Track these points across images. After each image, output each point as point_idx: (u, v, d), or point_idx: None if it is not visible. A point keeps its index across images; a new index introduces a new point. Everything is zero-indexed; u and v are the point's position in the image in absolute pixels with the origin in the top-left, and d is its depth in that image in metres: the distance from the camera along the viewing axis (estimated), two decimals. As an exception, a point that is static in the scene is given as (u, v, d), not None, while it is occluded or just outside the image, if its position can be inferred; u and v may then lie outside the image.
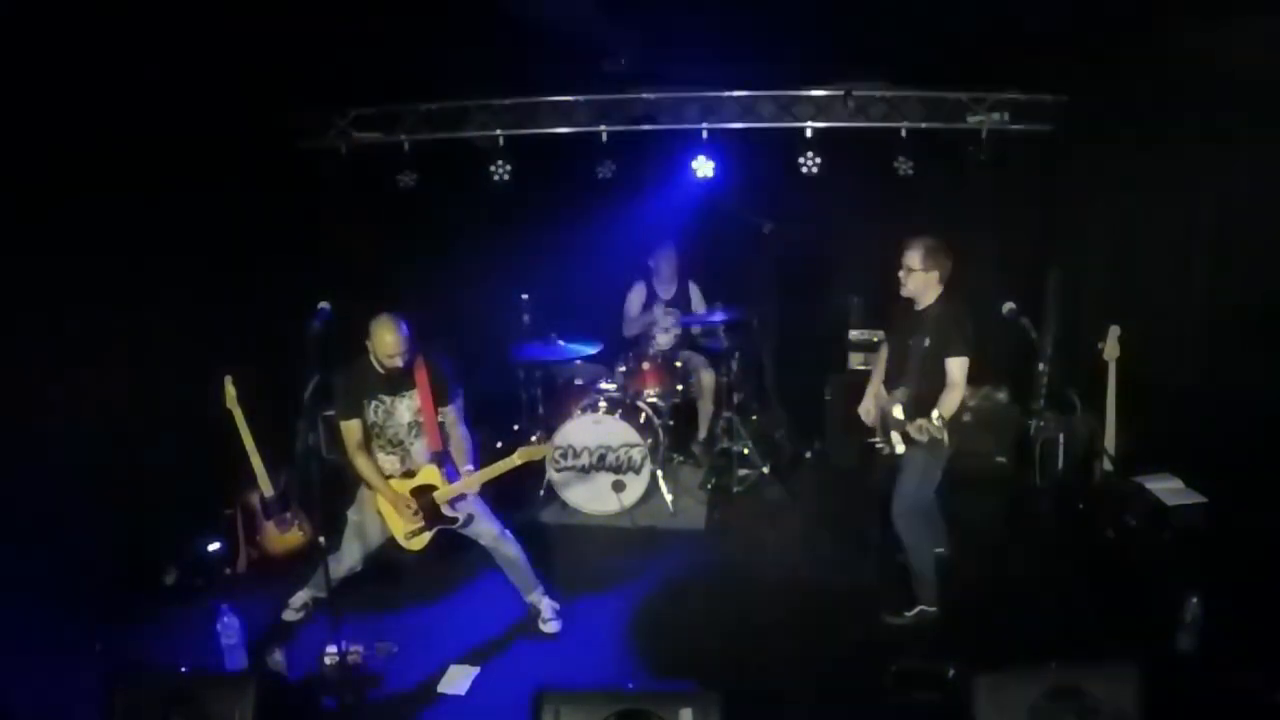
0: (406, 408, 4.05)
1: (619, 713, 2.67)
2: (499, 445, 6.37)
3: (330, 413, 6.08)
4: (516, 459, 4.06)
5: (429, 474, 4.10)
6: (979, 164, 5.83)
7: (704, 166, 6.05)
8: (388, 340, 3.84)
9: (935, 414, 3.57)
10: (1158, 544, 4.03)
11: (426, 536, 4.12)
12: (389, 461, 4.08)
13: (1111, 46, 4.94)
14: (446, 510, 4.09)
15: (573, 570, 4.93)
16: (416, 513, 4.04)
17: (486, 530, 4.20)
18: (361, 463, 3.98)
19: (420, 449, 4.10)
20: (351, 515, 4.17)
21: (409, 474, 4.10)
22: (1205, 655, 3.69)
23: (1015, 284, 5.16)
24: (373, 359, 3.94)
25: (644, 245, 6.37)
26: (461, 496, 4.10)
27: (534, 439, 6.25)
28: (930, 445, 3.74)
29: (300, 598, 4.33)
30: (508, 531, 4.27)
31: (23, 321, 4.10)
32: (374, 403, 4.01)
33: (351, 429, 3.97)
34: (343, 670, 3.86)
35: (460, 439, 4.16)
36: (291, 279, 5.52)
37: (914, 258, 3.93)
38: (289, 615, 4.29)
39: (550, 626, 4.28)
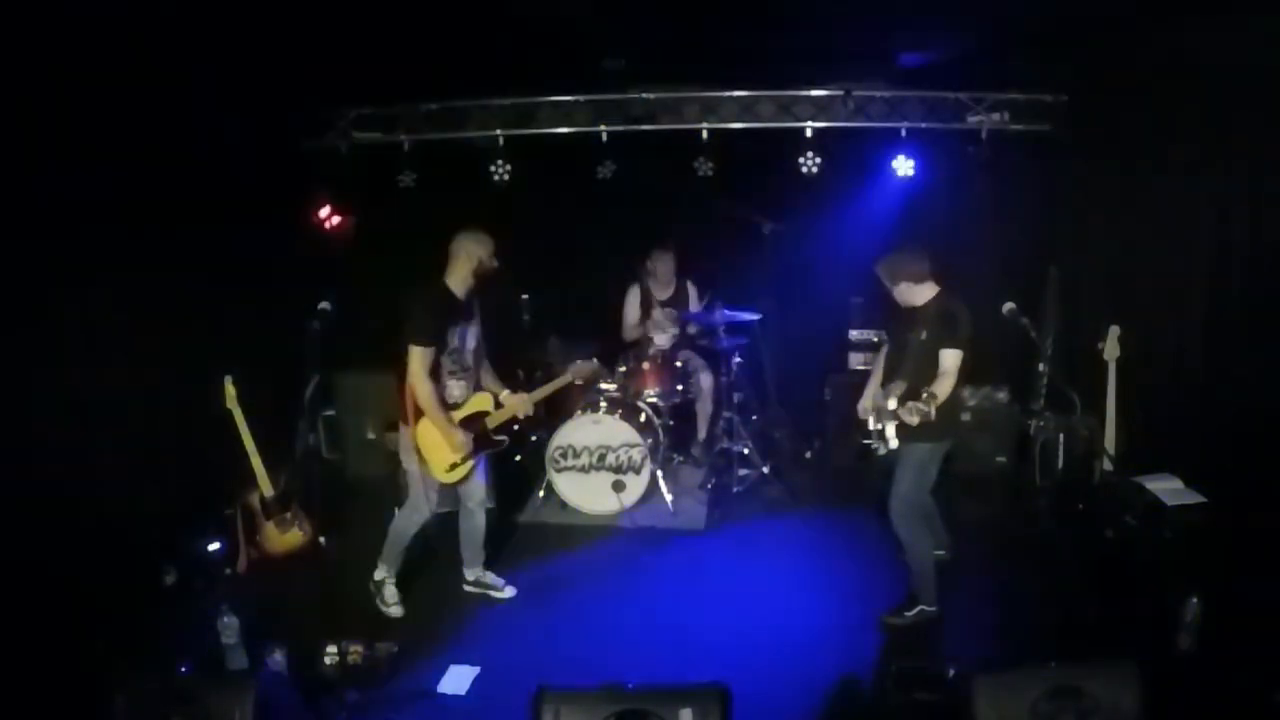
0: (473, 335, 4.16)
1: (619, 712, 2.66)
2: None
3: (330, 412, 6.16)
4: (569, 375, 4.48)
5: (481, 400, 4.23)
6: (979, 164, 5.83)
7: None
8: (485, 241, 4.04)
9: (925, 393, 3.63)
10: (1158, 544, 4.03)
11: (464, 468, 4.20)
12: (456, 387, 4.13)
13: (1111, 46, 4.94)
14: (496, 436, 4.28)
15: (572, 570, 4.94)
16: (474, 441, 4.14)
17: (478, 494, 4.36)
18: (425, 390, 3.93)
19: (478, 375, 4.25)
20: (413, 467, 4.15)
21: (454, 406, 4.14)
22: (1205, 655, 3.69)
23: (1015, 284, 5.17)
24: (454, 284, 4.02)
25: (643, 246, 6.37)
26: (505, 425, 4.30)
27: (533, 439, 6.26)
28: (921, 430, 3.77)
29: (390, 591, 4.38)
30: (488, 503, 4.45)
31: (22, 322, 4.10)
32: (456, 328, 4.05)
33: (424, 354, 3.90)
34: (343, 670, 3.86)
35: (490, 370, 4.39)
36: (291, 279, 5.53)
37: (903, 274, 3.99)
38: (394, 612, 4.35)
39: (506, 592, 4.54)
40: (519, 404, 4.29)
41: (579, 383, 4.59)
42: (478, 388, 4.27)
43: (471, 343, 4.16)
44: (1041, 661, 2.87)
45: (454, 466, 4.16)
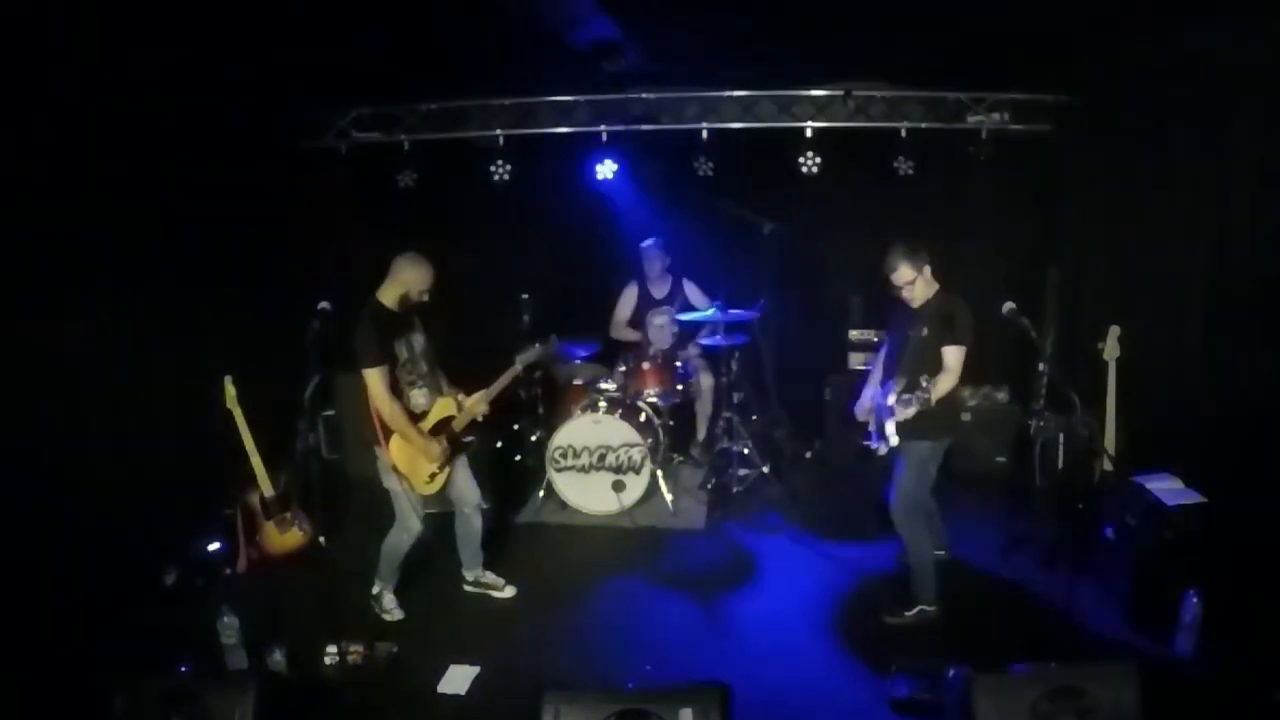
0: (419, 340, 4.16)
1: (619, 712, 2.67)
2: (498, 445, 6.38)
3: (330, 412, 6.16)
4: (518, 366, 4.43)
5: (445, 406, 4.23)
6: (979, 164, 5.83)
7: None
8: (425, 275, 4.01)
9: (924, 381, 3.64)
10: (1158, 544, 4.03)
11: (442, 476, 4.22)
12: (420, 395, 4.13)
13: (1111, 47, 4.93)
14: (464, 438, 4.31)
15: (573, 570, 4.94)
16: (444, 450, 4.15)
17: (471, 497, 4.38)
18: (392, 411, 3.93)
19: (435, 378, 4.25)
20: (394, 486, 4.13)
21: (421, 415, 4.14)
22: (1205, 655, 3.69)
23: (1015, 284, 5.16)
24: (388, 301, 4.00)
25: (638, 244, 6.38)
26: (470, 425, 4.31)
27: (534, 438, 6.26)
28: (921, 429, 3.76)
29: (389, 599, 4.38)
30: (482, 505, 4.49)
31: (23, 321, 4.10)
32: (400, 342, 4.05)
33: (380, 376, 3.91)
34: (343, 670, 3.86)
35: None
36: (291, 279, 5.53)
37: (905, 270, 3.97)
38: (395, 616, 4.37)
39: (507, 592, 4.57)
40: (478, 403, 4.30)
41: (522, 370, 4.54)
42: (438, 391, 4.25)
43: (420, 348, 4.15)
44: (1041, 661, 2.87)
45: (433, 477, 4.18)
